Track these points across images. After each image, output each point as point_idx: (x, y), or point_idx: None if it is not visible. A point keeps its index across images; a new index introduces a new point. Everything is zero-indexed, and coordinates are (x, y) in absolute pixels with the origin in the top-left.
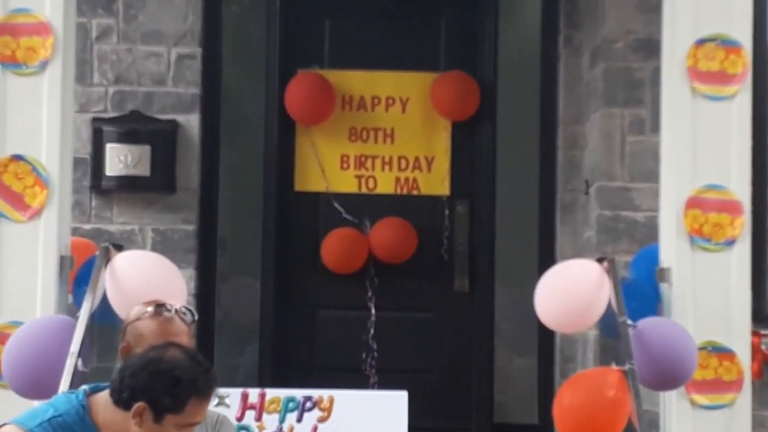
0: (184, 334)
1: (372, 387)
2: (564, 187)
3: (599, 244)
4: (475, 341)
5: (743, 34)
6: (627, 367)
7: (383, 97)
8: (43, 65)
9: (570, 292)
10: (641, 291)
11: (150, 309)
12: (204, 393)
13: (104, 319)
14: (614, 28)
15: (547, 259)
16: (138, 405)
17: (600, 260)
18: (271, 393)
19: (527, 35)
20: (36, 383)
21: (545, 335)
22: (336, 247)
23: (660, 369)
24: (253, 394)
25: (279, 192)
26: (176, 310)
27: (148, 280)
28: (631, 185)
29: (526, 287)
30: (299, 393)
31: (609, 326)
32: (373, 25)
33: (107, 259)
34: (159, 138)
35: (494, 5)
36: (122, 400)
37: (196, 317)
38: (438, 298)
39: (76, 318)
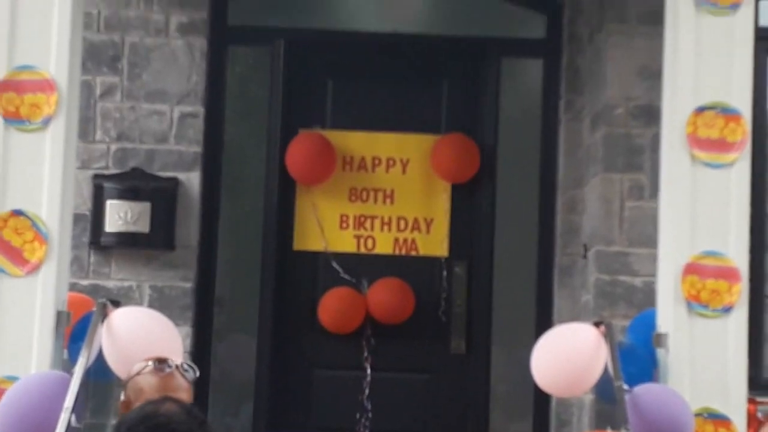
0: (184, 391)
1: None
2: (562, 250)
3: (597, 308)
4: (470, 404)
5: (743, 102)
6: None
7: (384, 157)
8: (47, 122)
9: (567, 355)
10: (638, 356)
11: (151, 364)
12: None
13: (99, 375)
14: (615, 94)
15: (544, 322)
16: None
17: (597, 324)
18: None
19: (528, 99)
20: None
21: (541, 399)
22: (333, 307)
23: None
24: None
25: (278, 250)
26: (177, 366)
27: (144, 337)
28: (629, 250)
29: (522, 350)
30: None
31: (605, 391)
32: (376, 87)
33: (104, 315)
34: (159, 195)
35: (496, 69)
36: None
37: (198, 374)
38: (434, 359)
39: (71, 374)
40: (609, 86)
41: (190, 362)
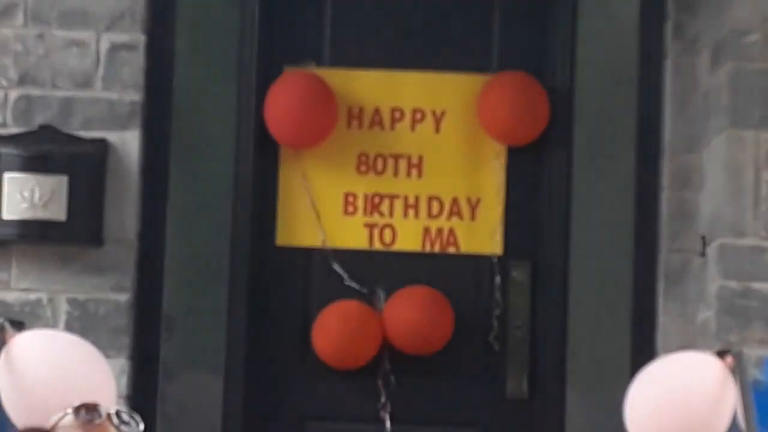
0: None
1: None
2: (670, 245)
3: (721, 330)
4: None
5: None
6: None
7: (408, 109)
8: None
9: (678, 399)
10: None
11: (72, 413)
12: None
13: None
14: (747, 14)
15: (644, 351)
16: None
17: (722, 354)
18: None
19: (619, 22)
20: None
21: None
22: (335, 330)
23: None
24: None
25: (254, 247)
26: (111, 416)
27: (58, 374)
28: None
29: (612, 392)
30: None
31: None
32: (396, 3)
33: (1, 341)
34: (81, 165)
35: None
36: None
37: (141, 427)
38: (483, 406)
39: None
40: (739, 1)
41: (128, 411)
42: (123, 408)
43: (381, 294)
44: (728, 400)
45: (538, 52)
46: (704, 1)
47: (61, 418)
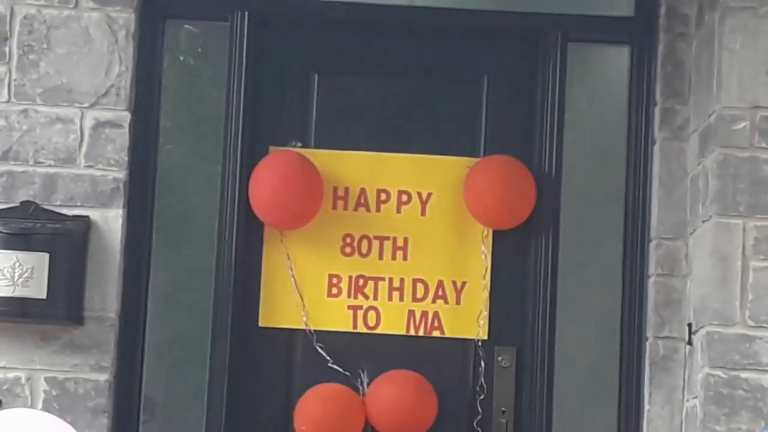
0: None
1: None
2: (657, 332)
3: (707, 420)
4: None
5: None
6: None
7: (394, 191)
8: None
9: None
10: None
11: None
12: None
13: None
14: (736, 100)
15: None
16: None
17: None
18: None
19: (607, 107)
20: None
21: None
22: (317, 413)
23: None
24: None
25: (236, 328)
26: None
27: None
28: (756, 333)
29: None
30: None
31: None
32: (382, 86)
33: None
34: (63, 243)
35: (560, 60)
36: None
37: None
38: None
39: None
40: (727, 88)
41: None
42: None
43: (364, 377)
44: None
45: (524, 136)
46: (693, 88)
47: None
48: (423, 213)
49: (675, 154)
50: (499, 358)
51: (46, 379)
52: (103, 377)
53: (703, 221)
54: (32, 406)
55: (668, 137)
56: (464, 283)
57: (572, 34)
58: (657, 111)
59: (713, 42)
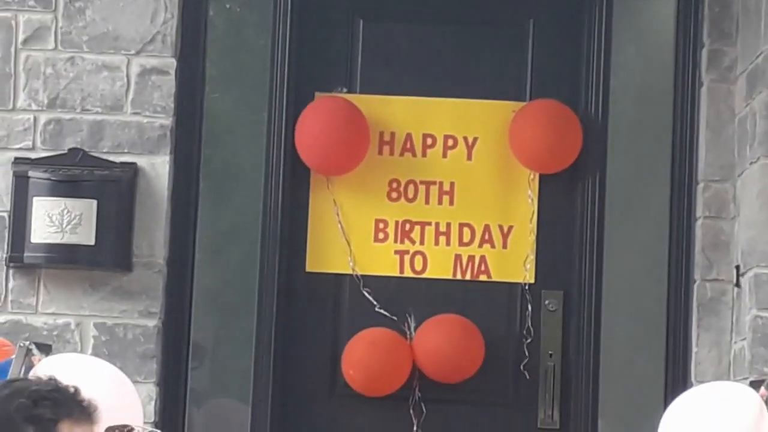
0: None
1: None
2: (704, 275)
3: (755, 361)
4: None
5: None
6: None
7: (440, 135)
8: None
9: (712, 430)
10: None
11: None
12: (78, 415)
13: None
14: None
15: (677, 381)
16: None
17: (757, 384)
18: None
19: (654, 50)
20: None
21: None
22: (365, 357)
23: None
24: None
25: (283, 273)
26: None
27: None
28: None
29: (645, 423)
30: None
31: None
32: (428, 31)
33: (28, 365)
34: (110, 190)
35: (607, 3)
36: None
37: None
38: None
39: None
40: None
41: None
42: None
43: (411, 322)
44: (763, 430)
45: (571, 80)
46: (740, 29)
47: None
48: (469, 158)
49: (722, 96)
50: (546, 302)
51: (96, 325)
52: (152, 323)
53: (751, 163)
54: (82, 351)
55: (715, 79)
56: (511, 227)
57: None
58: (704, 53)
59: None
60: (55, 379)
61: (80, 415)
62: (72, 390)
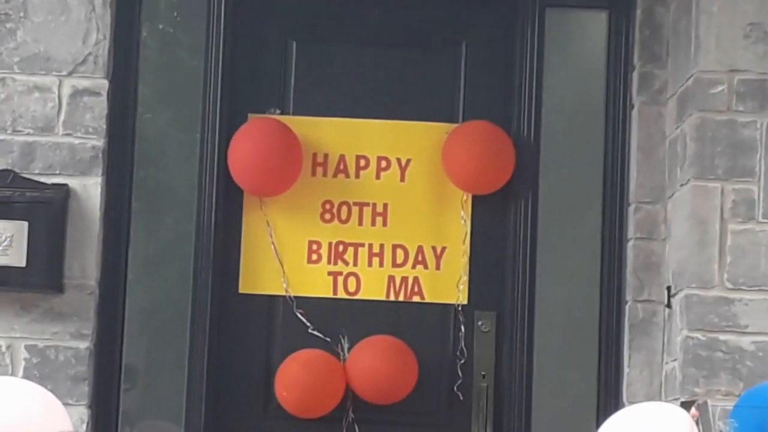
0: None
1: None
2: (636, 295)
3: (686, 382)
4: None
5: None
6: None
7: (373, 157)
8: None
9: None
10: None
11: None
12: None
13: None
14: (714, 64)
15: (609, 402)
16: None
17: (687, 405)
18: None
19: (585, 72)
20: None
21: None
22: (298, 379)
23: None
24: None
25: (216, 294)
26: None
27: (16, 422)
28: (734, 295)
29: None
30: None
31: None
32: (361, 53)
33: None
34: (42, 211)
35: (538, 25)
36: None
37: None
38: None
39: None
40: (705, 52)
41: None
42: None
43: (345, 343)
44: None
45: (503, 101)
46: (671, 52)
47: None
48: (402, 179)
49: (653, 118)
50: (479, 323)
51: (27, 347)
52: (84, 345)
53: (682, 185)
54: (13, 373)
55: (646, 101)
56: (444, 249)
57: None
58: (635, 75)
59: (691, 5)
60: None
61: None
62: None
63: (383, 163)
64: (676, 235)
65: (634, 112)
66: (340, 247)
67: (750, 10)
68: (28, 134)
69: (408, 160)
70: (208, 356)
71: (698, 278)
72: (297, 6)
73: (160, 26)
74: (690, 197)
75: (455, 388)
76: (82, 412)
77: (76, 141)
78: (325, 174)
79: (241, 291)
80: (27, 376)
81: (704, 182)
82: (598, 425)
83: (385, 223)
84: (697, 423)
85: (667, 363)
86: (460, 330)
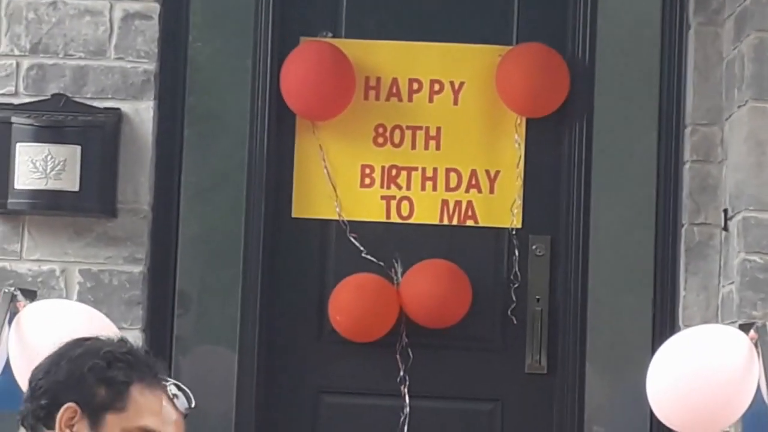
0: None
1: None
2: (692, 218)
3: (744, 305)
4: None
5: None
6: None
7: (426, 80)
8: None
9: (701, 375)
10: None
11: None
12: (150, 379)
13: (5, 400)
14: None
15: (665, 326)
16: (65, 408)
17: (746, 327)
18: None
19: None
20: None
21: None
22: (352, 303)
23: None
24: None
25: (269, 220)
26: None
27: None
28: None
29: (633, 368)
30: None
31: (757, 424)
32: None
33: (13, 311)
34: (94, 135)
35: None
36: (41, 414)
37: (194, 404)
38: (502, 381)
39: None
40: None
41: (179, 384)
42: (173, 380)
43: (398, 267)
44: (752, 373)
45: (557, 23)
46: None
47: None
48: (455, 102)
49: (710, 39)
50: (534, 247)
51: (81, 271)
52: (137, 269)
53: (739, 106)
54: (67, 298)
55: (703, 22)
56: (498, 172)
57: None
58: None
59: None
60: (127, 341)
61: (152, 379)
62: (144, 353)
63: (436, 86)
64: (733, 157)
65: (691, 33)
66: (393, 171)
67: None
68: (80, 58)
69: (461, 83)
70: (261, 282)
71: (756, 200)
72: None
73: None
74: (748, 119)
75: (509, 312)
76: (136, 335)
77: (128, 65)
78: (377, 98)
79: (294, 216)
80: (81, 300)
81: (762, 103)
82: (654, 349)
83: (438, 147)
84: (756, 345)
85: (723, 286)
86: (514, 254)
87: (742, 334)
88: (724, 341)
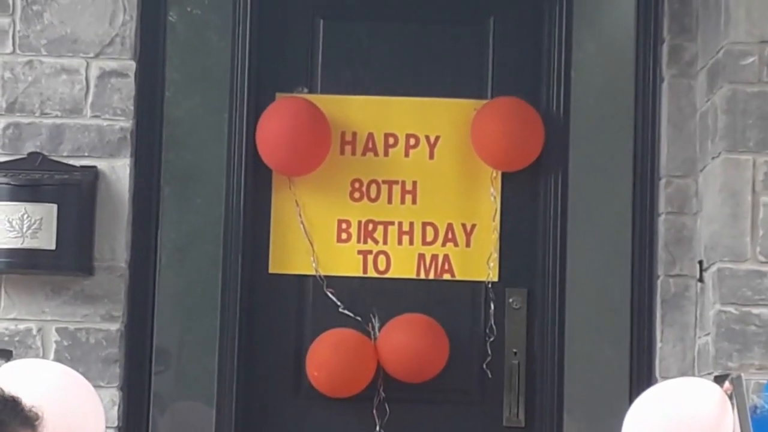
0: None
1: None
2: (668, 270)
3: (720, 356)
4: None
5: None
6: None
7: (402, 134)
8: None
9: (677, 425)
10: None
11: None
12: (20, 424)
13: None
14: (744, 35)
15: (642, 377)
16: None
17: (721, 379)
18: None
19: (615, 45)
20: None
21: None
22: (330, 358)
23: None
24: None
25: (246, 275)
26: None
27: (48, 404)
28: (767, 268)
29: (610, 419)
30: None
31: None
32: (388, 30)
33: None
34: (71, 193)
35: (567, 0)
36: None
37: None
38: None
39: None
40: (735, 24)
41: None
42: None
43: (375, 322)
44: (727, 425)
45: (532, 77)
46: (700, 24)
47: None
48: (431, 156)
49: (683, 91)
50: (510, 300)
51: (58, 330)
52: (115, 327)
53: (713, 158)
54: (44, 356)
55: (676, 74)
56: (474, 226)
57: None
58: (665, 48)
59: None
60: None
61: (21, 426)
62: (11, 400)
63: (412, 141)
64: (707, 208)
65: (664, 85)
66: (370, 226)
67: None
68: (56, 117)
69: (437, 137)
70: (239, 337)
71: (730, 252)
72: None
73: (188, 8)
74: (721, 170)
75: (485, 366)
76: (114, 394)
77: (104, 123)
78: (353, 152)
79: (271, 271)
80: (58, 358)
81: (736, 155)
82: (631, 401)
83: (414, 201)
84: (730, 397)
85: (699, 338)
86: (491, 307)
87: (716, 386)
88: (700, 393)
